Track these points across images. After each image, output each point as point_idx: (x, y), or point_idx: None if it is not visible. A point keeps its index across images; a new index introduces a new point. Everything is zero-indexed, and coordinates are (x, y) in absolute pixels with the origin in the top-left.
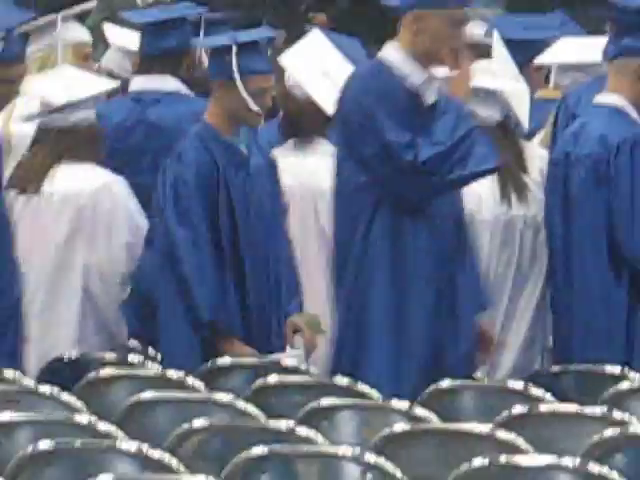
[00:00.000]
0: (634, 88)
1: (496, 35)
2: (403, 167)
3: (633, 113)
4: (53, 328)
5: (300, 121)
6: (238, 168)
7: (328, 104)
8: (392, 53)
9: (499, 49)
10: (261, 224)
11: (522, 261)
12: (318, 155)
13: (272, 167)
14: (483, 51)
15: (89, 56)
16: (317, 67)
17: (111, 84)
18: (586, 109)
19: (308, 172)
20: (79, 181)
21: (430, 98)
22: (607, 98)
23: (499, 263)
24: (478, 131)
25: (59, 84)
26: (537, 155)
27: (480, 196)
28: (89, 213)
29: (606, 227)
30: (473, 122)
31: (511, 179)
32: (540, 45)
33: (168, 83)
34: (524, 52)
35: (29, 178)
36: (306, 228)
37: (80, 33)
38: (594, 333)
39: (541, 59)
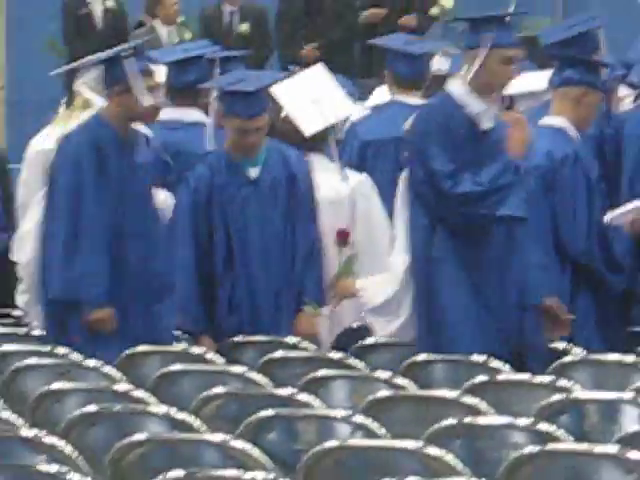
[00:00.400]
0: (574, 112)
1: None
2: (441, 193)
3: (572, 132)
4: None
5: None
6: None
7: (307, 126)
8: (455, 86)
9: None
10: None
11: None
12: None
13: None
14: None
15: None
16: (308, 95)
17: None
18: (534, 129)
19: None
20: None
21: (486, 125)
22: (552, 120)
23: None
24: (519, 182)
25: None
26: None
27: None
28: None
29: (552, 228)
30: (518, 174)
31: None
32: None
33: (191, 114)
34: None
35: None
36: None
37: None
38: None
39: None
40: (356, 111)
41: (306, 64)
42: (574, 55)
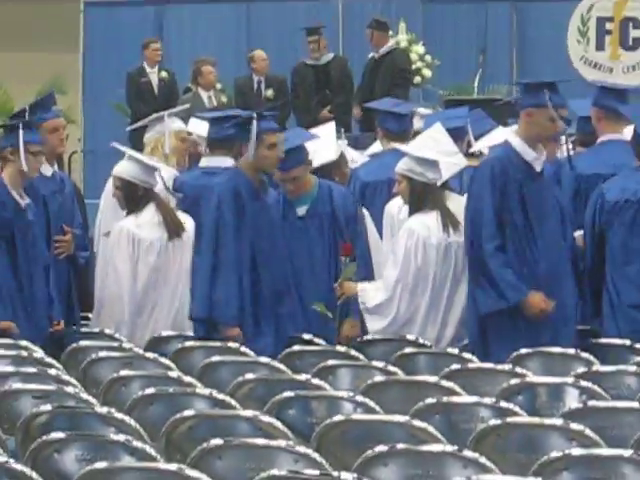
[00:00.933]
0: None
1: (438, 124)
2: (475, 241)
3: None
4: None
5: None
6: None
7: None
8: (512, 137)
9: (441, 133)
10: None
11: (456, 271)
12: None
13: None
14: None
15: (186, 139)
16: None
17: None
18: None
19: None
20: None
21: (538, 167)
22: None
23: (441, 272)
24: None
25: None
26: (462, 204)
27: (429, 227)
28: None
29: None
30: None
31: (449, 217)
32: (463, 130)
33: (226, 162)
34: (454, 135)
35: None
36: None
37: (179, 124)
38: None
39: (476, 146)
40: (359, 158)
41: (320, 123)
42: None
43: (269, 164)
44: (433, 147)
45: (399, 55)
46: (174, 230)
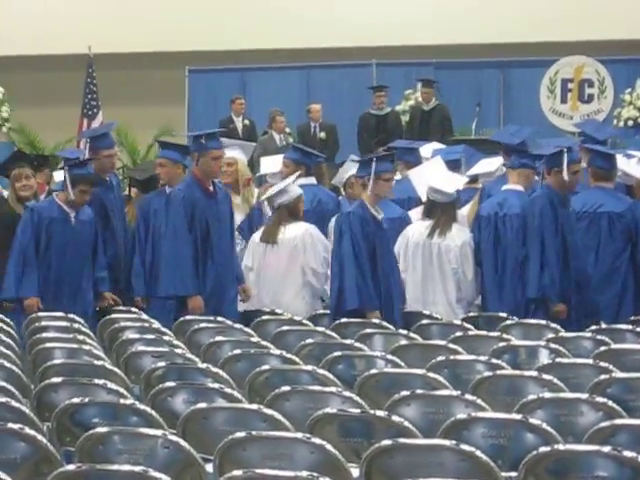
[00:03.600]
0: (525, 183)
1: (439, 157)
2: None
3: (525, 194)
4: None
5: None
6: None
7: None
8: (545, 186)
9: (441, 166)
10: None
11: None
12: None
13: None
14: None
15: (229, 164)
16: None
17: None
18: (498, 193)
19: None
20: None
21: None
22: (513, 186)
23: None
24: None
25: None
26: (463, 215)
27: (414, 229)
28: (301, 245)
29: None
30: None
31: (440, 225)
32: (459, 162)
33: (310, 180)
34: (451, 165)
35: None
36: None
37: (234, 152)
38: None
39: (471, 171)
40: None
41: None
42: (527, 150)
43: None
44: (435, 175)
45: (444, 108)
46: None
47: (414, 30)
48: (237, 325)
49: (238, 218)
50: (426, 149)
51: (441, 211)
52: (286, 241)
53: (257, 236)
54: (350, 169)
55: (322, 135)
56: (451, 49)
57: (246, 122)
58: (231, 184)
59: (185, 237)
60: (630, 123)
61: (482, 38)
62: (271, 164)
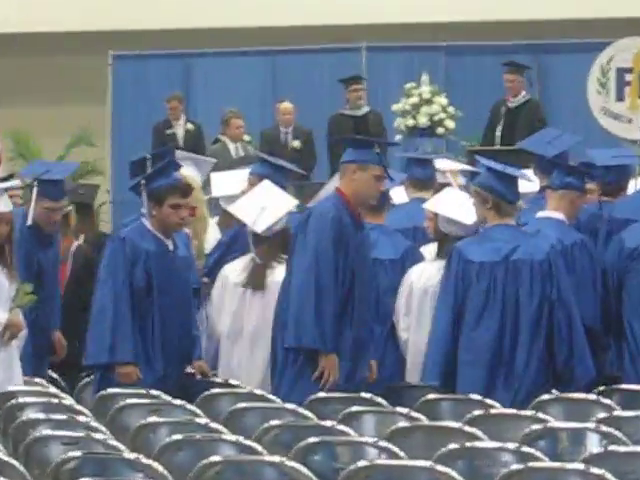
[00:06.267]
0: (568, 209)
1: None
2: None
3: (567, 224)
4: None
5: None
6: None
7: (255, 225)
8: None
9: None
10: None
11: None
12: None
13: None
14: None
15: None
16: (256, 203)
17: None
18: (532, 221)
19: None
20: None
21: None
22: (551, 214)
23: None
24: None
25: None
26: None
27: (421, 271)
28: None
29: None
30: None
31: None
32: None
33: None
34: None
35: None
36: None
37: (188, 171)
38: None
39: None
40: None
41: None
42: (572, 165)
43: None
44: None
45: (537, 106)
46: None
47: (419, 3)
48: (177, 401)
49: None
50: (443, 164)
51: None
52: (277, 286)
53: (231, 275)
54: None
55: (295, 144)
56: (468, 28)
57: (189, 126)
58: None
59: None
60: None
61: (510, 14)
62: (227, 183)
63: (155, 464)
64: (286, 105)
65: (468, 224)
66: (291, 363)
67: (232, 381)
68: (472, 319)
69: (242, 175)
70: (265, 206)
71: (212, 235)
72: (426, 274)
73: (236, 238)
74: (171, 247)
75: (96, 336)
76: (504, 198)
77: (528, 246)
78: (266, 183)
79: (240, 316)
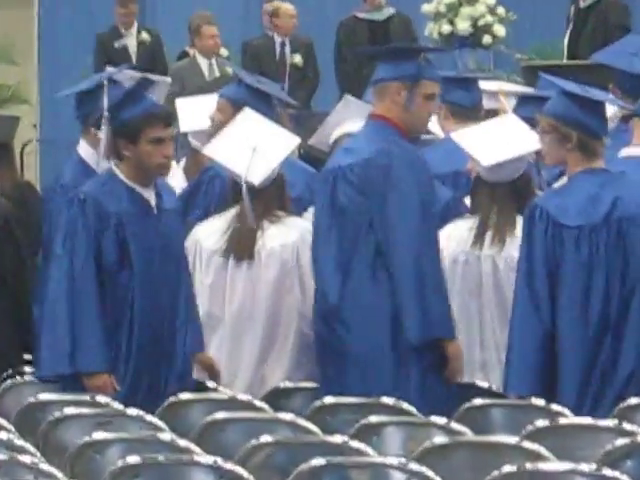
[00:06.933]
0: None
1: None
2: None
3: None
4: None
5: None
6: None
7: (250, 176)
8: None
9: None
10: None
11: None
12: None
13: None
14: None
15: None
16: (243, 143)
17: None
18: (615, 161)
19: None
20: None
21: None
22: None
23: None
24: None
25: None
26: None
27: (450, 234)
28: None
29: None
30: None
31: (494, 226)
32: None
33: None
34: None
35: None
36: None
37: None
38: None
39: None
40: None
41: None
42: None
43: None
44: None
45: (616, 4)
46: None
47: None
48: (133, 411)
49: None
50: (492, 85)
51: (492, 200)
52: (269, 253)
53: (206, 241)
54: (345, 120)
55: (297, 59)
56: None
57: (144, 36)
58: None
59: None
60: None
61: None
62: (199, 114)
63: None
64: (286, 7)
65: (485, 164)
66: (413, 362)
67: (208, 383)
68: (570, 302)
69: (210, 101)
70: (256, 147)
71: (177, 185)
72: (455, 236)
73: (198, 187)
74: (153, 201)
75: (50, 337)
76: (592, 133)
77: (632, 196)
78: (249, 113)
79: (219, 294)
